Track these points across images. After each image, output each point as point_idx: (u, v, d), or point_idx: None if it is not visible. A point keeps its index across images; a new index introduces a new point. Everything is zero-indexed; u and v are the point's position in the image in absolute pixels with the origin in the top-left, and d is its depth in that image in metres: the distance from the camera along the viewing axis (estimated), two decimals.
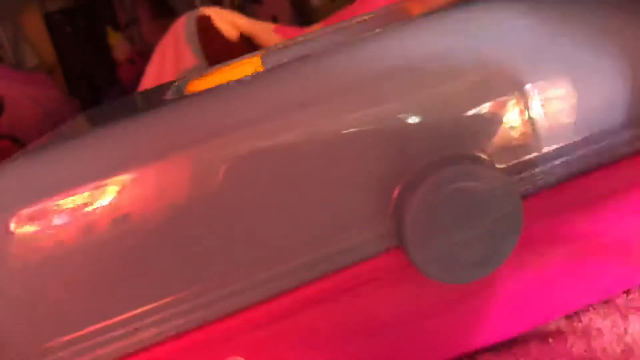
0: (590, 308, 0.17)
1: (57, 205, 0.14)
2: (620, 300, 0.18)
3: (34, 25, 1.77)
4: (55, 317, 0.14)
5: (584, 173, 0.15)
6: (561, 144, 0.15)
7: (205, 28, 0.51)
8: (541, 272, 0.17)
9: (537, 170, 0.15)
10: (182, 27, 0.56)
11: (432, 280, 0.15)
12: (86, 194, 0.14)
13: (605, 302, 0.18)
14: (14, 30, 1.71)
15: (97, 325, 0.14)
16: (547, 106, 0.15)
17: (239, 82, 0.16)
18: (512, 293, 0.17)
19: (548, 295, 0.17)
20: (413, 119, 0.15)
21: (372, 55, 0.16)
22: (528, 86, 0.15)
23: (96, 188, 0.14)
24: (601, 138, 0.15)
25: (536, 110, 0.15)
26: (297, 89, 0.15)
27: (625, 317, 0.17)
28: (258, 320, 0.15)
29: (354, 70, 0.15)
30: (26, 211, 0.14)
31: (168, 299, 0.14)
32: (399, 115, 0.15)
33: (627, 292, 0.18)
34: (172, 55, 0.48)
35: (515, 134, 0.15)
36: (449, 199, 0.14)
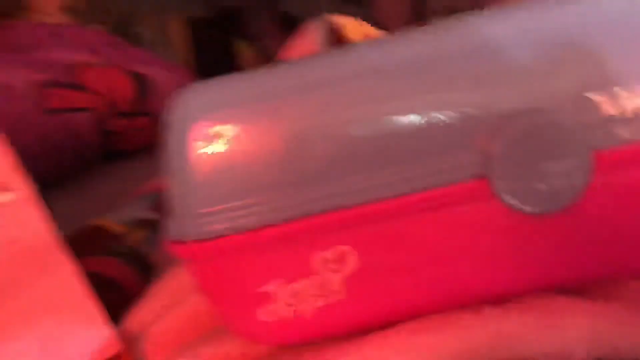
0: None
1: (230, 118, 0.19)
2: None
3: (176, 29, 1.96)
4: (212, 193, 0.19)
5: None
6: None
7: (338, 37, 0.56)
8: (611, 222, 0.19)
9: (611, 127, 0.18)
10: (316, 32, 0.61)
11: (510, 210, 0.18)
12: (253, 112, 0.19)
13: None
14: (157, 30, 1.91)
15: (240, 202, 0.19)
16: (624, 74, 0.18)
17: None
18: (585, 236, 0.19)
19: (617, 247, 0.20)
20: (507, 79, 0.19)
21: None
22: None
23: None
24: None
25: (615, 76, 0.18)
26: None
27: None
28: (359, 217, 0.19)
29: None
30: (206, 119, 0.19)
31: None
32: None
33: None
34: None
35: (590, 95, 0.18)
36: (531, 138, 0.18)
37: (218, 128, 0.19)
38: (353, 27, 0.60)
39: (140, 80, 0.80)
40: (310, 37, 0.62)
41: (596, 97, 0.18)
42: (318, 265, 0.20)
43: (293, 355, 0.22)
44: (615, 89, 0.18)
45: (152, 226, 0.52)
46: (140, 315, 0.30)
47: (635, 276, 0.21)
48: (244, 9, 2.56)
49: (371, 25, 0.60)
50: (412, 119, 0.19)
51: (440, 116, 0.19)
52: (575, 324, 0.19)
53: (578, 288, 0.21)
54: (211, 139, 0.19)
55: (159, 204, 0.48)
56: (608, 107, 0.18)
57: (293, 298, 0.20)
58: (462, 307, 0.20)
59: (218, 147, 0.19)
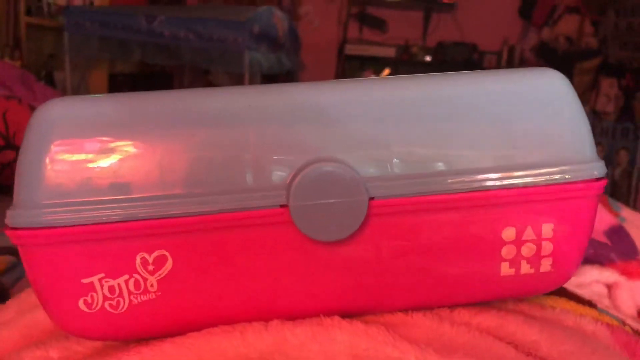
0: None
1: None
2: None
3: (98, 81, 1.98)
4: (53, 189, 0.23)
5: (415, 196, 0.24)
6: (408, 171, 0.24)
7: None
8: (378, 258, 0.24)
9: (385, 182, 0.24)
10: None
11: (302, 236, 0.23)
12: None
13: None
14: (79, 80, 1.92)
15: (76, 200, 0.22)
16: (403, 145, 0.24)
17: None
18: (358, 266, 0.24)
19: (380, 282, 0.25)
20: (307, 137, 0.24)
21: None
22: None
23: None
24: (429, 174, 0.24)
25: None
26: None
27: None
28: (180, 226, 0.23)
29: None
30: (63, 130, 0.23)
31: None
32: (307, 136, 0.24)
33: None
34: None
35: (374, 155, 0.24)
36: (321, 180, 0.23)
37: (70, 140, 0.23)
38: None
39: None
40: None
41: (379, 157, 0.24)
42: (139, 264, 0.23)
43: (106, 357, 0.24)
44: (394, 153, 0.24)
45: (17, 256, 0.52)
46: None
47: (392, 309, 0.26)
48: (173, 74, 2.60)
49: None
50: (238, 157, 0.23)
51: (259, 158, 0.23)
52: (336, 339, 0.23)
53: (351, 313, 0.25)
54: (63, 147, 0.23)
55: None
56: (387, 167, 0.24)
57: (112, 293, 0.23)
58: (254, 318, 0.24)
59: (66, 153, 0.23)
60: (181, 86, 2.37)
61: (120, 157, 0.23)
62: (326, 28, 2.66)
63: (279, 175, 0.23)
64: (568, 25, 2.55)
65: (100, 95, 0.25)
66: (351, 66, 2.67)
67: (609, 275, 0.44)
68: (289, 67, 2.24)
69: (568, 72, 2.53)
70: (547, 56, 2.59)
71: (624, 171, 2.47)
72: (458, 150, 0.24)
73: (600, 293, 0.44)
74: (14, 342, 0.29)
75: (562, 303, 0.29)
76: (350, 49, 2.64)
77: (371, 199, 0.24)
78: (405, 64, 2.65)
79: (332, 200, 0.23)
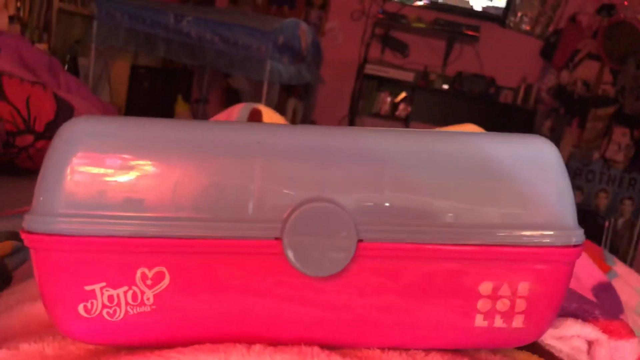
0: None
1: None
2: None
3: (120, 71, 2.00)
4: (72, 200, 0.24)
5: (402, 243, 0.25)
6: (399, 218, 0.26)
7: (255, 119, 0.65)
8: (361, 299, 0.26)
9: (375, 226, 0.25)
10: (237, 111, 0.70)
11: (293, 268, 0.25)
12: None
13: None
14: (102, 68, 1.95)
15: (91, 213, 0.24)
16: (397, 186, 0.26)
17: None
18: (342, 303, 0.26)
19: (362, 321, 0.26)
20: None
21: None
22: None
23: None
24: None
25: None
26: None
27: None
28: (180, 247, 0.25)
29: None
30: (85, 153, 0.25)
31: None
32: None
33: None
34: None
35: (367, 199, 0.26)
36: (315, 217, 0.24)
37: (91, 156, 0.25)
38: (267, 113, 0.69)
39: (63, 106, 0.84)
40: (233, 113, 0.70)
41: (372, 202, 0.26)
42: (138, 278, 0.25)
43: None
44: (386, 200, 0.26)
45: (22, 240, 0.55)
46: None
47: (369, 346, 0.28)
48: (194, 72, 2.63)
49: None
50: (243, 189, 0.25)
51: (262, 192, 0.25)
52: None
53: (330, 345, 0.27)
54: (84, 161, 0.25)
55: None
56: (378, 212, 0.26)
57: (111, 301, 0.25)
58: (240, 339, 0.26)
59: (87, 167, 0.25)
60: (201, 85, 2.42)
61: (136, 176, 0.25)
62: (349, 46, 2.69)
63: (278, 209, 0.25)
64: (587, 71, 2.56)
65: (125, 117, 0.27)
66: (369, 85, 2.70)
67: (590, 331, 0.45)
68: (309, 80, 2.27)
69: (582, 117, 2.55)
70: (563, 99, 2.60)
71: (627, 221, 2.46)
72: (446, 204, 0.26)
73: (579, 348, 0.45)
74: (13, 330, 0.30)
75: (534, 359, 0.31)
76: (370, 69, 2.66)
77: (360, 241, 0.25)
78: (422, 89, 2.68)
79: (323, 239, 0.25)
